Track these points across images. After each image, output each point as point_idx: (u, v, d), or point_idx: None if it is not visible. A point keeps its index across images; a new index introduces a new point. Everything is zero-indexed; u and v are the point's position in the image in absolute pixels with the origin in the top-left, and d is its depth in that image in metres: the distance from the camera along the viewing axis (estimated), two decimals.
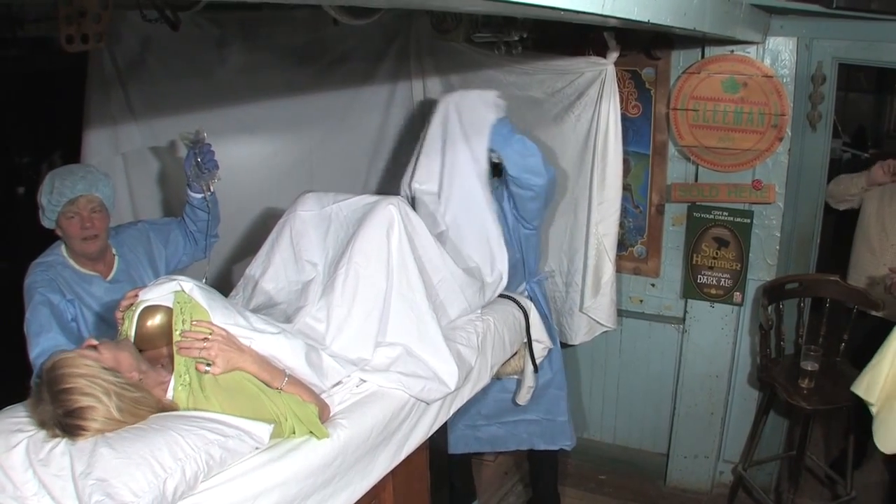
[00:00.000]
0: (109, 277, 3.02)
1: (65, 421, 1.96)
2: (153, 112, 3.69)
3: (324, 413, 2.40)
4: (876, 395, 3.10)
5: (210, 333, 2.21)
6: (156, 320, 2.27)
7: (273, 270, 2.95)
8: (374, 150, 4.64)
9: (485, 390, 3.68)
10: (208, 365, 2.18)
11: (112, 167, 3.59)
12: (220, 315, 2.27)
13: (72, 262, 2.94)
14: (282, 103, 4.14)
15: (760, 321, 4.10)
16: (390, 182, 4.70)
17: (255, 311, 2.79)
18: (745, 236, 4.17)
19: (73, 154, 3.67)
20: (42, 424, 2.00)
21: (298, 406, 2.27)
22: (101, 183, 2.95)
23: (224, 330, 2.25)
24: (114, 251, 3.07)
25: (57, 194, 2.84)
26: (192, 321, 2.22)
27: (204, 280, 2.60)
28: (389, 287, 2.76)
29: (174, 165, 3.70)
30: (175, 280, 2.28)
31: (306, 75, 4.22)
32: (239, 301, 2.92)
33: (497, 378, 3.63)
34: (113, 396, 2.01)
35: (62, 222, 2.88)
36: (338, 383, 2.58)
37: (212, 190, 3.22)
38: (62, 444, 1.96)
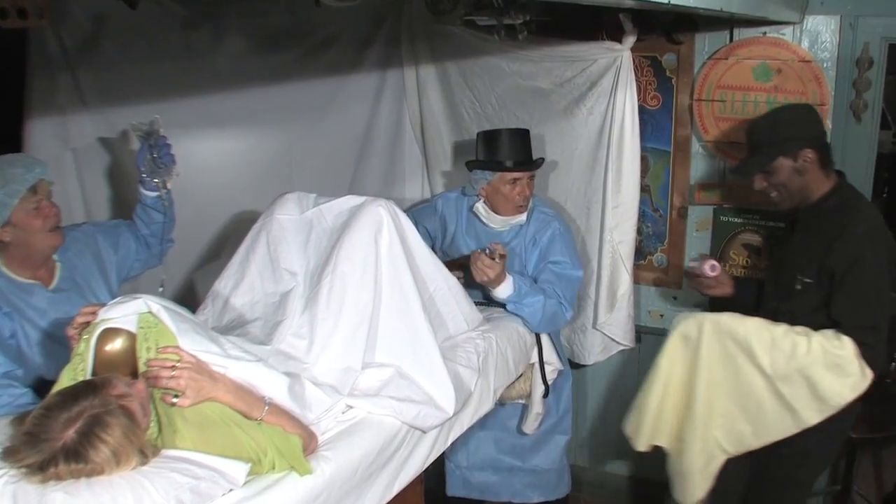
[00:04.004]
0: (52, 286, 2.96)
1: (62, 453, 1.89)
2: (108, 101, 3.65)
3: (311, 443, 2.37)
4: None
5: (178, 361, 2.17)
6: (116, 345, 2.22)
7: (248, 281, 2.94)
8: (362, 145, 4.61)
9: (482, 426, 3.71)
10: (176, 396, 2.13)
11: (61, 164, 3.57)
12: (190, 340, 2.24)
13: (5, 269, 2.87)
14: (257, 93, 4.10)
15: None
16: (379, 182, 4.69)
17: (228, 328, 2.80)
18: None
19: (11, 150, 3.58)
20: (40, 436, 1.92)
21: (280, 438, 2.23)
22: (47, 168, 2.89)
23: (194, 357, 2.21)
24: (54, 256, 3.00)
25: (12, 184, 2.75)
26: (157, 348, 2.18)
27: (160, 291, 2.55)
28: (379, 297, 2.76)
29: (132, 162, 3.65)
30: (141, 298, 2.24)
31: (285, 62, 4.19)
32: (208, 319, 2.90)
33: (501, 403, 3.63)
34: (125, 466, 1.97)
35: (20, 218, 2.78)
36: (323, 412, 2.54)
37: (168, 188, 3.21)
38: (1, 483, 1.89)
